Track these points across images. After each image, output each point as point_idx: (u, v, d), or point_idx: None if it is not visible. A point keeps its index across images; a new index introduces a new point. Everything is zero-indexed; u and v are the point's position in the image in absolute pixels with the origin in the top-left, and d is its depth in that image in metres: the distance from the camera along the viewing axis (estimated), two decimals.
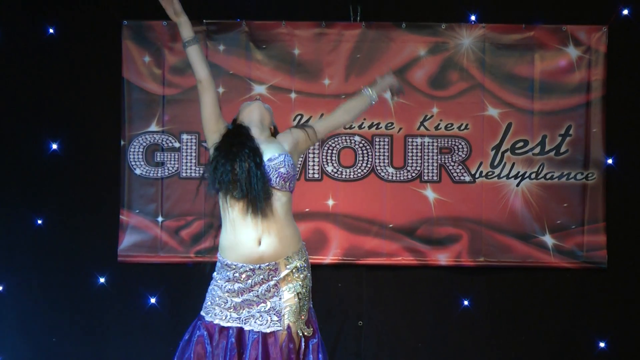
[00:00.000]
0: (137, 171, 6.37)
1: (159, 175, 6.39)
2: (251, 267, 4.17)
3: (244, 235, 4.17)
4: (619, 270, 6.39)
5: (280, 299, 4.20)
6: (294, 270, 4.22)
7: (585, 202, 6.39)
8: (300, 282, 4.23)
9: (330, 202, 6.37)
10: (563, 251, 6.38)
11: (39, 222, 6.34)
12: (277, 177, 4.19)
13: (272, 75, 6.39)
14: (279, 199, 4.19)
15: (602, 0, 6.41)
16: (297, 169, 4.35)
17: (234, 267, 4.19)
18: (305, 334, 4.23)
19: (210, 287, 4.25)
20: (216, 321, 4.21)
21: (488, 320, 6.45)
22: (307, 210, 6.36)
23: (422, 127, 6.41)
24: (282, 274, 4.20)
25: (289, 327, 4.18)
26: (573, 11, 6.43)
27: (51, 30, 6.35)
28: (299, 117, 6.38)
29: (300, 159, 6.29)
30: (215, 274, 4.26)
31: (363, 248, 6.40)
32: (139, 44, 6.40)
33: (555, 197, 6.39)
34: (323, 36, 6.41)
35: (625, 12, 6.26)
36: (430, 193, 6.38)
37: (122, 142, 6.40)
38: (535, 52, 6.41)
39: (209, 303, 4.23)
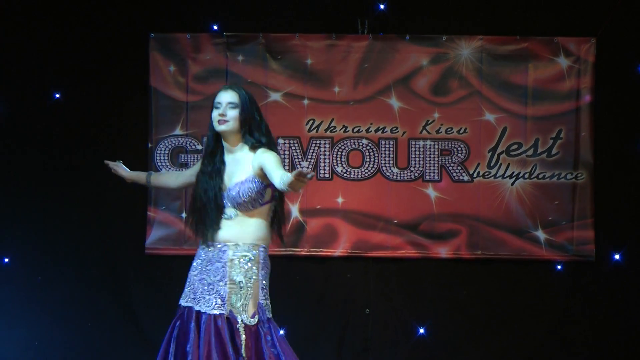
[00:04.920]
0: (163, 171, 6.48)
1: None
2: (208, 243, 4.30)
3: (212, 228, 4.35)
4: (605, 262, 6.51)
5: (225, 284, 4.23)
6: (240, 258, 4.25)
7: (575, 200, 6.50)
8: (244, 272, 4.24)
9: (340, 200, 6.53)
10: (554, 245, 6.49)
11: (76, 217, 6.54)
12: (236, 205, 4.28)
13: (286, 83, 6.55)
14: (245, 215, 4.29)
15: (591, 14, 6.52)
16: (264, 187, 4.28)
17: (199, 243, 4.37)
18: (246, 322, 4.22)
19: None
20: (181, 302, 4.34)
21: (485, 307, 6.56)
22: (318, 207, 6.52)
23: (424, 131, 6.56)
24: (228, 257, 4.24)
25: (231, 312, 4.21)
26: (564, 24, 6.54)
27: (85, 42, 6.57)
28: (311, 121, 6.54)
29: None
30: None
31: (370, 242, 6.55)
32: (164, 55, 6.56)
33: (547, 196, 6.51)
34: (333, 47, 6.56)
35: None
36: (431, 191, 6.54)
37: (149, 145, 6.55)
38: (529, 62, 6.51)
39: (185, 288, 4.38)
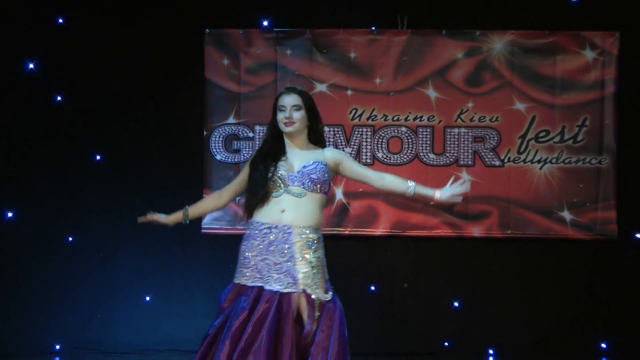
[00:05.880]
0: (218, 157, 6.85)
1: (235, 160, 6.86)
2: (269, 225, 4.27)
3: (271, 206, 4.31)
4: (627, 241, 6.74)
5: (294, 264, 4.24)
6: (306, 242, 4.28)
7: (599, 183, 6.77)
8: (312, 252, 4.27)
9: None
10: (579, 225, 6.77)
11: (135, 197, 6.77)
12: (308, 182, 4.29)
13: (331, 75, 6.86)
14: (311, 198, 4.30)
15: (615, 10, 6.76)
16: (329, 177, 4.36)
17: (256, 225, 4.31)
18: (322, 299, 4.25)
19: (238, 256, 4.38)
20: (242, 282, 4.29)
21: (515, 282, 6.81)
22: (360, 190, 6.79)
23: (459, 120, 6.83)
24: (294, 240, 4.26)
25: (304, 290, 4.23)
26: (590, 19, 6.77)
27: (145, 38, 6.86)
28: (354, 110, 6.84)
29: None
30: (242, 242, 4.40)
31: (408, 222, 6.85)
32: (219, 49, 6.85)
33: (573, 179, 6.78)
34: (375, 42, 6.85)
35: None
36: (465, 175, 6.78)
37: (205, 133, 6.85)
38: (557, 55, 6.78)
39: (238, 268, 4.35)
